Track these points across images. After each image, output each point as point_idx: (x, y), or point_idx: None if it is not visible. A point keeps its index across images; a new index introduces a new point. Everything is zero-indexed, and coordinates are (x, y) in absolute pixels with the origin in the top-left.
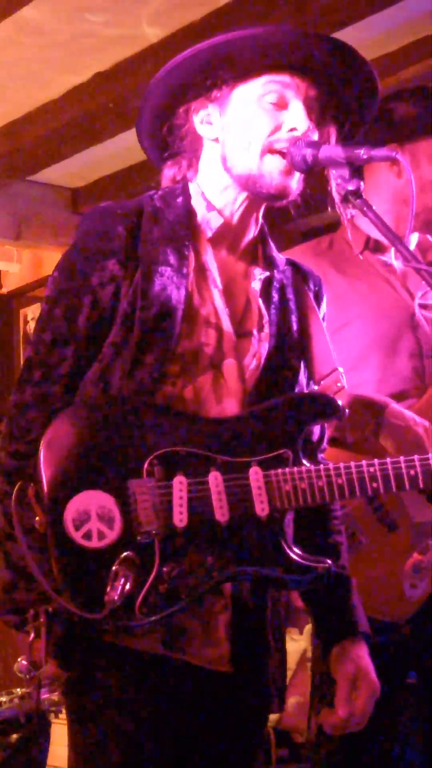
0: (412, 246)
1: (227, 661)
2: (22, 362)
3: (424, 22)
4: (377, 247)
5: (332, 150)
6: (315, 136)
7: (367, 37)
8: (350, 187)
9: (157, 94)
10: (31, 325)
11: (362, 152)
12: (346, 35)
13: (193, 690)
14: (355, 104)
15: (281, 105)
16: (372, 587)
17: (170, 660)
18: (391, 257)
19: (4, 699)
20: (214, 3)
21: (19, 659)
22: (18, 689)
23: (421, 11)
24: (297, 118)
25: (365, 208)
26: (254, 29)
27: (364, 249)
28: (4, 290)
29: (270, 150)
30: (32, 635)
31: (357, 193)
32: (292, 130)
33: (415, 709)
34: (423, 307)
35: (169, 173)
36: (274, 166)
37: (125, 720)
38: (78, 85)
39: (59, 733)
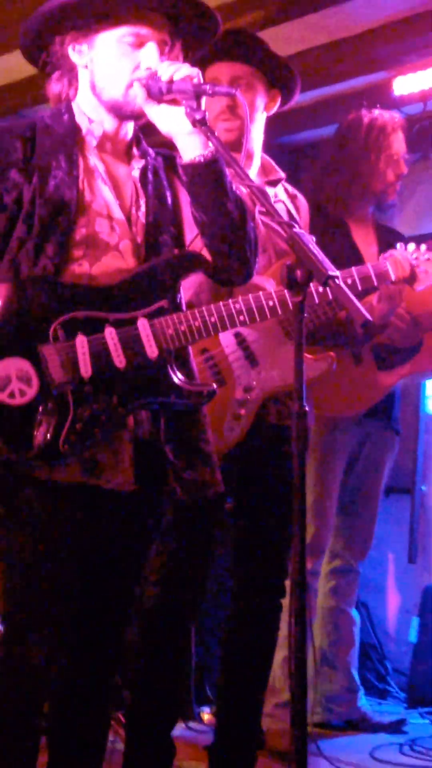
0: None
1: (132, 483)
2: None
3: None
4: None
5: (184, 84)
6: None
7: None
8: (198, 116)
9: (38, 25)
10: None
11: (208, 87)
12: None
13: (103, 509)
14: (198, 40)
15: (138, 45)
16: None
17: (86, 487)
18: None
19: None
20: None
21: None
22: None
23: None
24: (152, 57)
25: (209, 134)
26: None
27: None
28: None
29: (132, 83)
30: None
31: (203, 121)
32: (148, 68)
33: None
34: (262, 213)
35: (55, 89)
36: (136, 95)
37: (44, 531)
38: None
39: None
